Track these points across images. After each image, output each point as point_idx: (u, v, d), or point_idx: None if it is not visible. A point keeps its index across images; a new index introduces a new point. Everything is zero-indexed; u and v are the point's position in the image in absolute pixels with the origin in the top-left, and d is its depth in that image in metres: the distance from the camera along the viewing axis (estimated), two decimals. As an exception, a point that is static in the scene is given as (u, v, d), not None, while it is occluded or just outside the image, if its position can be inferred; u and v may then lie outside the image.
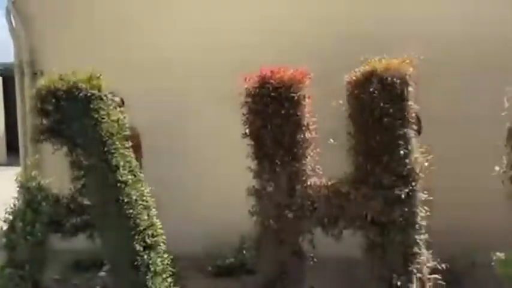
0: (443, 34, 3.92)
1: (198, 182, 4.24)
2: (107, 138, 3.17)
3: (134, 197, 3.24)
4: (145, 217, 3.33)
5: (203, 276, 3.86)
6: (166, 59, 4.43)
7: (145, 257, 3.27)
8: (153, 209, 3.45)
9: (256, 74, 3.11)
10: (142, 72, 4.43)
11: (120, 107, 3.66)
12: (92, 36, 4.63)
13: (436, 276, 3.00)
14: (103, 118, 3.24)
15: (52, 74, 3.26)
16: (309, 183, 3.08)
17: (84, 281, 3.78)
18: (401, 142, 2.91)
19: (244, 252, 3.85)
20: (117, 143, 3.22)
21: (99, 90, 3.28)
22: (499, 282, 3.17)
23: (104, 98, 3.29)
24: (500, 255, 2.97)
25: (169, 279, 3.46)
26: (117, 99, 3.64)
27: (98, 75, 3.29)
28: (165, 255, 3.46)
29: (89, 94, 3.20)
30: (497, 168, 2.99)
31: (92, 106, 3.20)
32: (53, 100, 3.16)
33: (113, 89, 3.71)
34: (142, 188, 3.43)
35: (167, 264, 3.47)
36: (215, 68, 4.29)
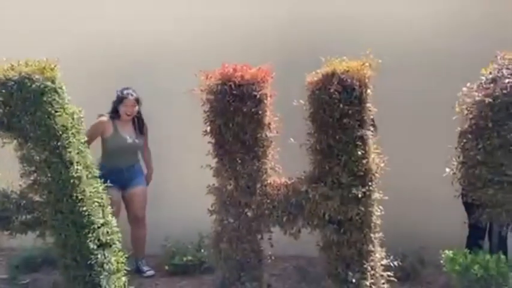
0: (395, 34, 4.03)
1: (159, 183, 4.17)
2: (61, 132, 3.04)
3: (89, 194, 3.14)
4: (100, 215, 3.23)
5: (159, 275, 3.78)
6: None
7: (100, 255, 3.17)
8: (109, 207, 3.37)
9: (218, 70, 3.09)
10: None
11: (138, 104, 3.97)
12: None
13: (389, 273, 3.10)
14: (57, 111, 3.10)
15: (2, 63, 3.09)
16: (269, 181, 3.10)
17: (33, 280, 3.62)
18: (359, 143, 2.96)
19: (202, 250, 3.81)
20: (72, 137, 3.11)
21: (53, 82, 3.15)
22: (447, 278, 3.34)
23: (59, 90, 3.16)
24: (449, 253, 3.12)
25: (123, 278, 3.38)
26: (134, 95, 3.93)
27: (53, 65, 3.16)
28: (120, 254, 3.38)
29: (42, 86, 3.06)
30: (447, 169, 3.14)
31: (45, 98, 3.06)
32: (3, 91, 3.01)
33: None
34: (98, 185, 3.33)
35: (122, 263, 3.39)
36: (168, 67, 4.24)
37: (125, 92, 3.90)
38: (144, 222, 4.03)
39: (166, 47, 4.30)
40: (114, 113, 3.94)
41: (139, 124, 4.01)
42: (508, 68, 2.86)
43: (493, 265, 2.86)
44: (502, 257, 2.94)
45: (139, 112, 3.98)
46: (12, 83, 3.00)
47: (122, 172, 3.92)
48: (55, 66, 3.16)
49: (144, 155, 4.17)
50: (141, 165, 4.12)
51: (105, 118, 3.91)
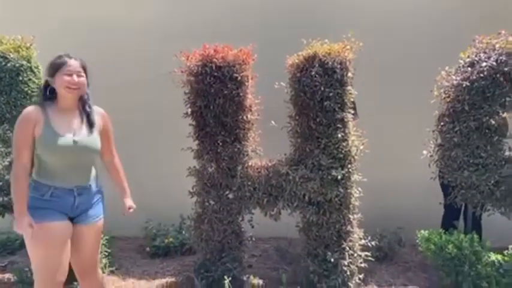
0: (372, 23, 4.03)
1: (140, 166, 4.13)
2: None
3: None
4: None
5: (141, 256, 3.77)
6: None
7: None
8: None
9: (198, 51, 3.05)
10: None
11: (86, 74, 2.33)
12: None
13: (367, 253, 3.16)
14: (33, 91, 3.04)
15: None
16: (249, 163, 3.11)
17: (11, 263, 3.57)
18: (339, 125, 2.98)
19: (183, 232, 3.81)
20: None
21: (29, 61, 3.07)
22: (423, 258, 3.43)
23: (35, 69, 3.08)
24: (424, 233, 3.21)
25: (104, 260, 3.38)
26: (78, 60, 2.32)
27: (28, 44, 3.07)
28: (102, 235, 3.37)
29: (17, 65, 2.98)
30: (425, 152, 3.20)
31: (20, 78, 2.99)
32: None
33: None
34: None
35: (103, 244, 3.38)
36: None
37: (63, 56, 2.28)
38: (96, 271, 2.44)
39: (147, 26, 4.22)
40: (45, 98, 2.29)
41: (87, 113, 2.31)
42: (485, 52, 2.90)
43: (466, 244, 2.95)
44: (476, 236, 3.03)
45: (87, 95, 2.32)
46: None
47: (67, 196, 2.27)
48: (31, 45, 3.08)
49: (108, 165, 2.52)
50: (99, 184, 2.43)
51: (31, 107, 2.25)
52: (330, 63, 2.92)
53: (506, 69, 2.81)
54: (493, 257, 3.00)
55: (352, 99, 3.07)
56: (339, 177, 2.98)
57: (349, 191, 3.05)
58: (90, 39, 4.08)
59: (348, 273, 3.03)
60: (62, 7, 4.19)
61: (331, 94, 2.93)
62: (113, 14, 4.21)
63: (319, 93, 2.93)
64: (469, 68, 2.91)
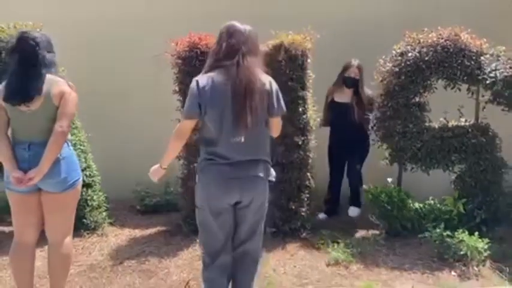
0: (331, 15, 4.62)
1: (129, 133, 4.60)
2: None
3: (73, 142, 3.66)
4: (83, 159, 3.78)
5: (132, 214, 4.38)
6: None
7: (83, 193, 3.75)
8: (89, 153, 3.91)
9: (186, 39, 3.68)
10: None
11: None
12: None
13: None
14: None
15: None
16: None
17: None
18: (300, 102, 3.72)
19: (171, 189, 4.39)
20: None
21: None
22: (367, 207, 4.25)
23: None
24: (365, 187, 4.06)
25: (104, 213, 4.00)
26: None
27: (38, 29, 3.55)
28: (101, 193, 3.98)
29: None
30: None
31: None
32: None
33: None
34: (80, 134, 3.86)
35: (102, 200, 3.99)
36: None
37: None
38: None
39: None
40: None
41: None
42: (411, 45, 3.73)
43: (395, 194, 3.81)
44: (401, 188, 3.91)
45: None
46: (3, 44, 3.41)
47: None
48: (40, 30, 3.56)
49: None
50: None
51: None
52: (294, 51, 3.64)
53: (427, 58, 3.66)
54: (416, 205, 3.90)
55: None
56: (300, 142, 3.74)
57: (307, 154, 3.82)
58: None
59: (306, 218, 3.84)
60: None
61: (294, 76, 3.66)
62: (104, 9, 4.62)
63: (284, 75, 3.63)
64: (400, 58, 3.74)
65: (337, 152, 4.28)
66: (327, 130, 4.25)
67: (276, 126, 2.48)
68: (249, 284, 2.57)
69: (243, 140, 2.31)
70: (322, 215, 4.31)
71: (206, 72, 2.39)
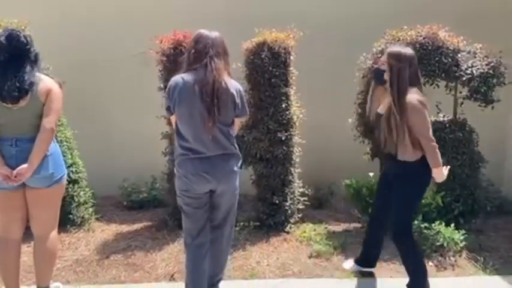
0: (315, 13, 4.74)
1: (116, 130, 4.67)
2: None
3: (59, 139, 3.70)
4: (69, 156, 3.83)
5: (119, 210, 4.44)
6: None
7: (70, 189, 3.80)
8: (76, 150, 3.96)
9: (170, 37, 3.74)
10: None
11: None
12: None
13: (305, 198, 4.07)
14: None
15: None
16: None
17: None
18: (283, 98, 3.80)
19: (157, 185, 4.46)
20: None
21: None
22: (348, 202, 4.37)
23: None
24: (347, 181, 4.15)
25: (90, 209, 4.05)
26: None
27: (23, 27, 3.58)
28: (87, 189, 4.03)
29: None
30: (350, 120, 4.11)
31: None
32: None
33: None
34: (66, 131, 3.90)
35: (89, 196, 4.04)
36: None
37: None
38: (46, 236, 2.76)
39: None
40: None
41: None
42: (390, 43, 3.81)
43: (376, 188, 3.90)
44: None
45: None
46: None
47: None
48: (25, 27, 3.59)
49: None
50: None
51: None
52: (277, 48, 3.72)
53: (406, 56, 3.74)
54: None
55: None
56: (283, 138, 3.82)
57: (291, 149, 3.91)
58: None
59: (289, 212, 3.93)
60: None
61: (277, 73, 3.74)
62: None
63: (267, 72, 3.71)
64: (380, 55, 3.81)
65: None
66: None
67: (237, 125, 2.75)
68: (224, 260, 2.88)
69: (211, 136, 2.54)
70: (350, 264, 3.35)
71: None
